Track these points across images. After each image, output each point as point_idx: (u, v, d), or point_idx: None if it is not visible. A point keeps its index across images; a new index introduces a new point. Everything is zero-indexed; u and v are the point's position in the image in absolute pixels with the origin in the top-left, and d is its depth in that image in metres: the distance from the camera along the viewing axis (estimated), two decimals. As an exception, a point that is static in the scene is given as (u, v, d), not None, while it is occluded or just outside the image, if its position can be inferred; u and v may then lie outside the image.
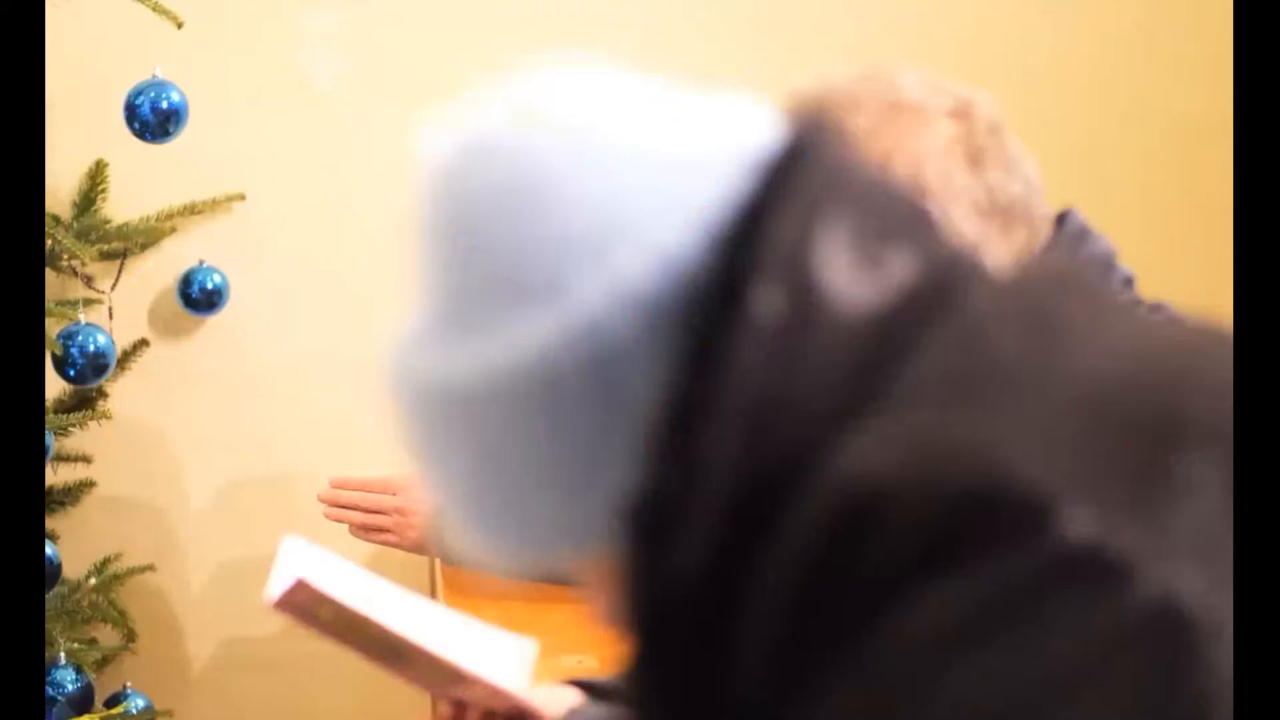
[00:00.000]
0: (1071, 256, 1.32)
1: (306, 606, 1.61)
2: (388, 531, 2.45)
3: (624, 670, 0.87)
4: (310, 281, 3.09)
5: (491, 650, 1.58)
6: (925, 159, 1.30)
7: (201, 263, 3.02)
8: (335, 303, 3.09)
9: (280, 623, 3.10)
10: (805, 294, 0.82)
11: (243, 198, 3.05)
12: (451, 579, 2.37)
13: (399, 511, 2.44)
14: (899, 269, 0.84)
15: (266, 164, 3.05)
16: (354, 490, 2.47)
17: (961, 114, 1.33)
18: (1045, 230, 1.33)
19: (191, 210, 3.00)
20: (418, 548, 2.46)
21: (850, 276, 0.83)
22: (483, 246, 0.87)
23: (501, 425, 0.85)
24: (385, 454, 2.81)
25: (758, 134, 0.87)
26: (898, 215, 0.87)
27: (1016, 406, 0.79)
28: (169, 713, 2.97)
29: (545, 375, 0.83)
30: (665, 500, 0.82)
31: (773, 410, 0.81)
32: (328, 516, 2.49)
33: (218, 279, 3.02)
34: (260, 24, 3.03)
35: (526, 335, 0.84)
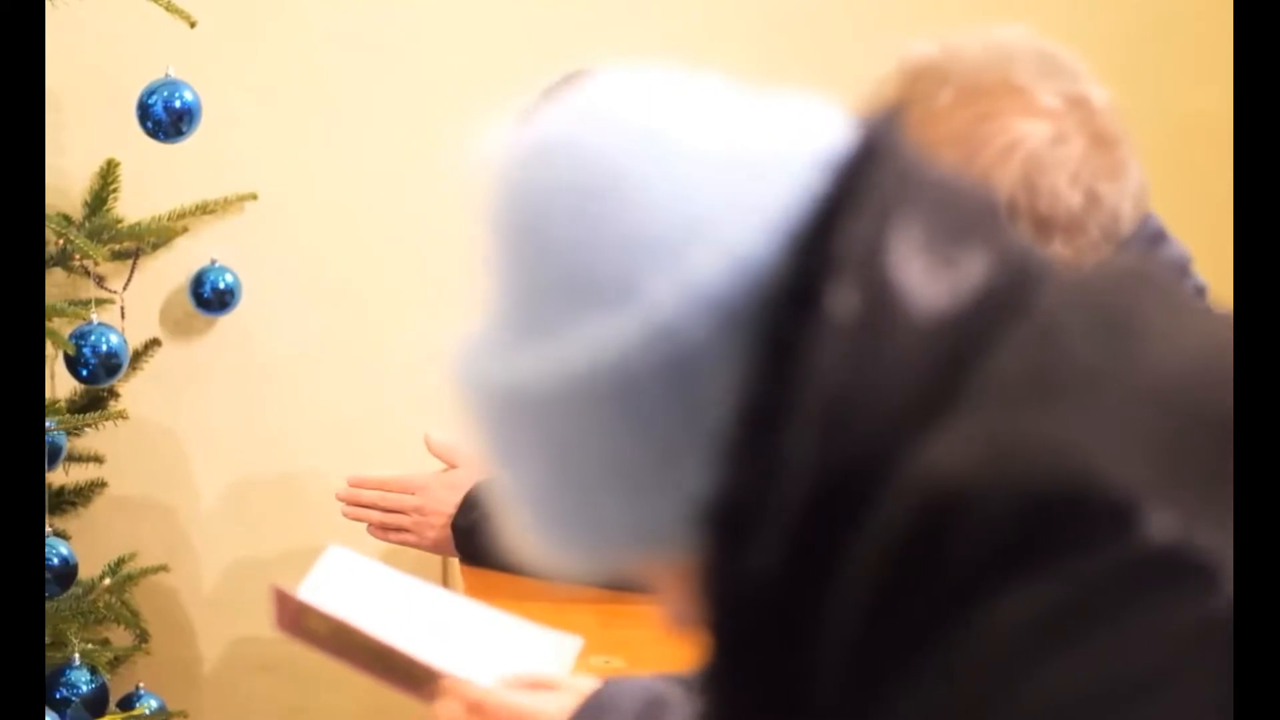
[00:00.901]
0: (1143, 258, 1.31)
1: (298, 621, 1.61)
2: (406, 531, 2.45)
3: (700, 671, 0.87)
4: (322, 281, 3.09)
5: (526, 649, 1.58)
6: (979, 149, 1.29)
7: (213, 262, 3.02)
8: (347, 302, 3.09)
9: (292, 622, 3.10)
10: (881, 294, 0.82)
11: (255, 197, 3.05)
12: (472, 580, 2.37)
13: (418, 511, 2.44)
14: (973, 268, 0.84)
15: (278, 163, 3.05)
16: (373, 489, 2.47)
17: (1061, 113, 1.31)
18: (1100, 246, 1.31)
19: (203, 210, 3.00)
20: (436, 547, 2.46)
21: (925, 276, 0.83)
22: (555, 247, 0.86)
23: (575, 427, 0.85)
24: (398, 453, 2.82)
25: (829, 134, 0.87)
26: (970, 214, 0.87)
27: (1094, 405, 0.79)
28: (183, 713, 2.97)
29: (620, 377, 0.83)
30: (743, 500, 0.82)
31: (850, 410, 0.81)
32: (346, 515, 2.48)
33: (229, 279, 3.01)
34: (273, 23, 3.03)
35: (600, 336, 0.84)
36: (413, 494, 2.45)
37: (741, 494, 0.82)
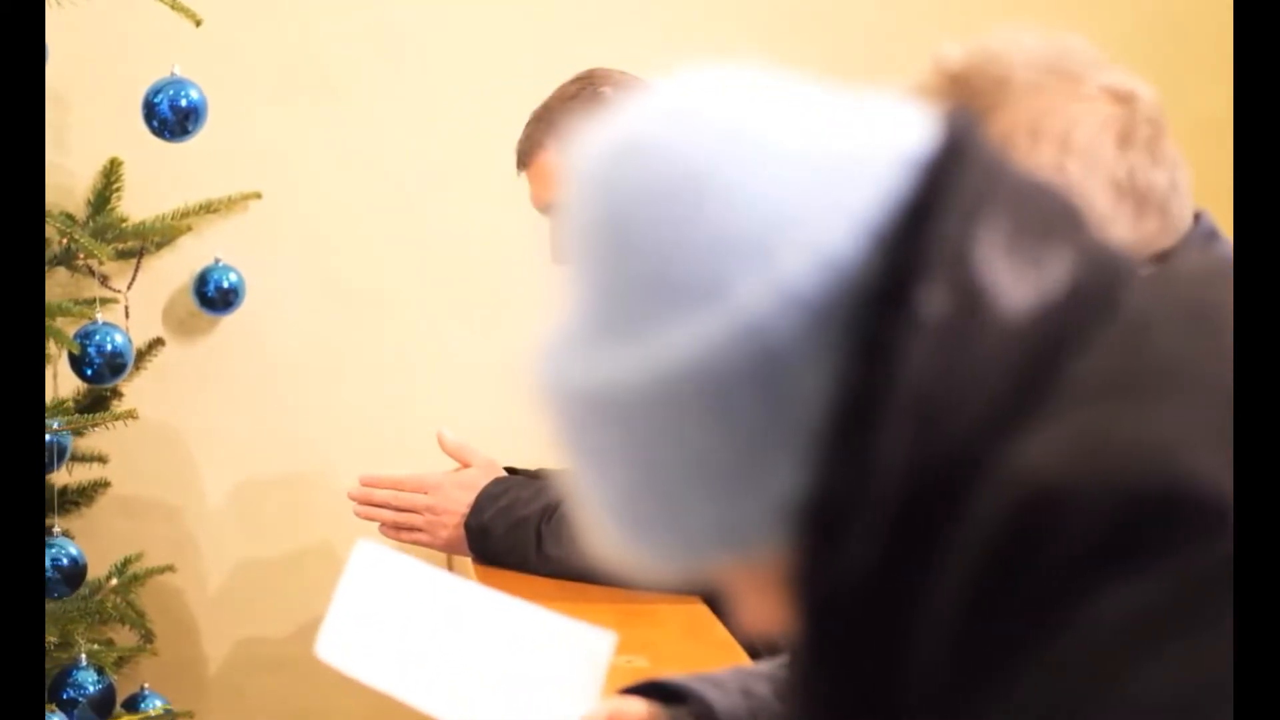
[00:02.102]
0: (1205, 254, 1.32)
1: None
2: (419, 531, 2.44)
3: (792, 671, 0.86)
4: (326, 280, 3.08)
5: (561, 647, 1.57)
6: (1078, 122, 1.30)
7: (217, 261, 3.01)
8: (351, 301, 3.08)
9: (296, 622, 3.10)
10: (970, 293, 0.82)
11: (259, 196, 3.04)
12: (484, 580, 2.36)
13: (431, 510, 2.43)
14: (1059, 267, 0.84)
15: (283, 162, 3.05)
16: (385, 489, 2.46)
17: (1122, 98, 1.33)
18: (1177, 229, 1.33)
19: (208, 209, 2.99)
20: (449, 547, 2.45)
21: (1011, 276, 0.83)
22: (642, 247, 0.85)
23: (661, 428, 0.84)
24: (404, 452, 2.82)
25: (912, 133, 0.86)
26: (1053, 214, 0.87)
27: (1186, 404, 0.79)
28: (189, 714, 2.96)
29: (708, 377, 0.82)
30: (836, 500, 0.81)
31: (942, 409, 0.81)
32: (358, 515, 2.47)
33: (234, 278, 3.01)
34: (278, 22, 3.03)
35: (689, 337, 0.83)
36: (426, 493, 2.44)
37: (834, 493, 0.81)
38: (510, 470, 2.48)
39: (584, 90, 2.39)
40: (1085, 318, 0.83)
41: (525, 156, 2.42)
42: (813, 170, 0.84)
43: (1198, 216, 1.38)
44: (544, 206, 2.42)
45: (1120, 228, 1.28)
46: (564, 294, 0.88)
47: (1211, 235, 1.37)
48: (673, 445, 0.84)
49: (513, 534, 2.36)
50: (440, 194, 3.09)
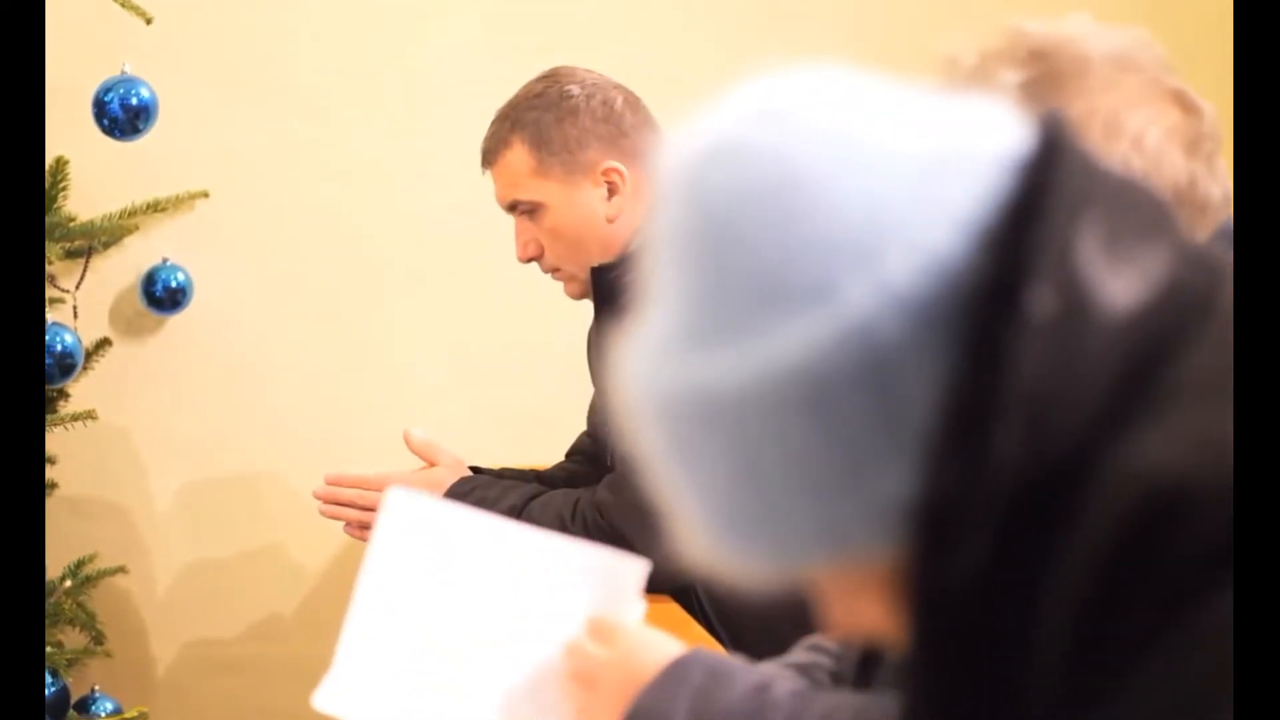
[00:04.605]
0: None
1: None
2: (385, 529, 2.42)
3: (906, 672, 0.86)
4: (274, 280, 3.07)
5: (595, 578, 1.54)
6: (1151, 123, 1.31)
7: (165, 261, 3.00)
8: (299, 301, 3.07)
9: (247, 622, 3.08)
10: (1076, 292, 0.82)
11: (206, 195, 3.02)
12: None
13: (397, 509, 2.42)
14: (1157, 266, 0.84)
15: (230, 161, 3.03)
16: (351, 487, 2.44)
17: (1191, 108, 1.34)
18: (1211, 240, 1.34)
19: (155, 208, 2.97)
20: (415, 546, 2.44)
21: (1113, 274, 0.83)
22: (742, 249, 0.84)
23: (766, 430, 0.83)
24: (351, 451, 2.79)
25: (1008, 134, 0.87)
26: (1148, 213, 0.88)
27: None
28: (144, 716, 2.94)
29: (814, 379, 0.82)
30: (949, 501, 0.81)
31: (1052, 408, 0.81)
32: (323, 514, 2.45)
33: (181, 277, 2.99)
34: (228, 21, 3.01)
35: (795, 338, 0.82)
36: (392, 492, 2.42)
37: (947, 494, 0.81)
38: (475, 470, 2.47)
39: (550, 89, 2.39)
40: (1186, 315, 0.84)
41: (490, 155, 2.41)
42: (912, 170, 0.84)
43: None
44: (508, 205, 2.42)
45: None
46: (657, 298, 0.87)
47: (1228, 239, 1.39)
48: (776, 447, 0.83)
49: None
50: (389, 194, 3.08)
